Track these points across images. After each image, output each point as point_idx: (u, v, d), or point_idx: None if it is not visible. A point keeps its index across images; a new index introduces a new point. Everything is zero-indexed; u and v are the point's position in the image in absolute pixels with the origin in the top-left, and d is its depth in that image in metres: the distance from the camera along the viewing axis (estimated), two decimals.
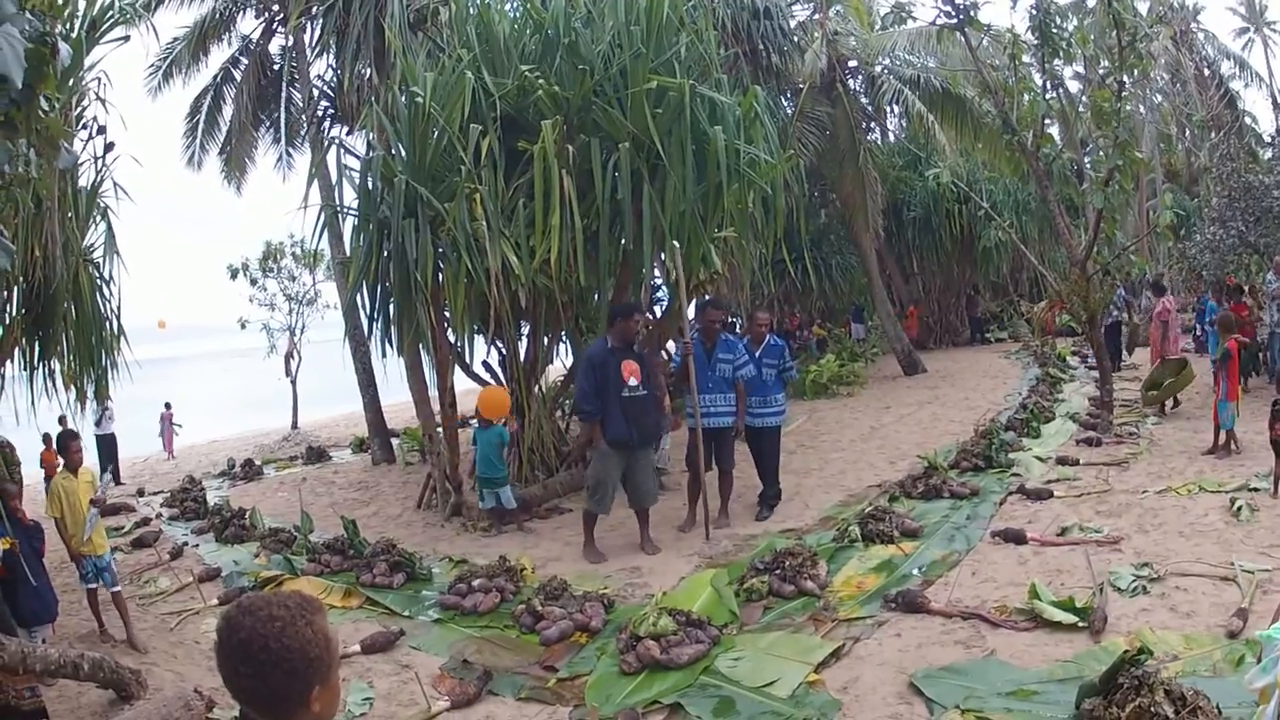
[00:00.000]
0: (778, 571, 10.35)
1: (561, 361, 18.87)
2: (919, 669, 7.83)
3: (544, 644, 9.44)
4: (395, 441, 23.77)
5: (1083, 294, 18.13)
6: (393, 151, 15.64)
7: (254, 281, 35.75)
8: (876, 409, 23.35)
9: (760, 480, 14.40)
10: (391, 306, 15.26)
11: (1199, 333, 27.71)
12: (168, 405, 32.45)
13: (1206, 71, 41.34)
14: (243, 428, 38.00)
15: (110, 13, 11.12)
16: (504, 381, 17.03)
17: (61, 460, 10.91)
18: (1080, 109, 29.05)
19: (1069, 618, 8.42)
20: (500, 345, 17.20)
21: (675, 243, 13.73)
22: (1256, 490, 12.24)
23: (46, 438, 17.87)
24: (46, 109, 5.77)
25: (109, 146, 12.40)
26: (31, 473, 14.72)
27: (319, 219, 17.25)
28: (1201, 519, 11.32)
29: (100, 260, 13.39)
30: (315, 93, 24.17)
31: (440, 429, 15.99)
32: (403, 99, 15.47)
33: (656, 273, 17.67)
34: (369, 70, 20.68)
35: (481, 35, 16.13)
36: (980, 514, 12.65)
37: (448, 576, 11.94)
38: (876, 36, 31.64)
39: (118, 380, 14.15)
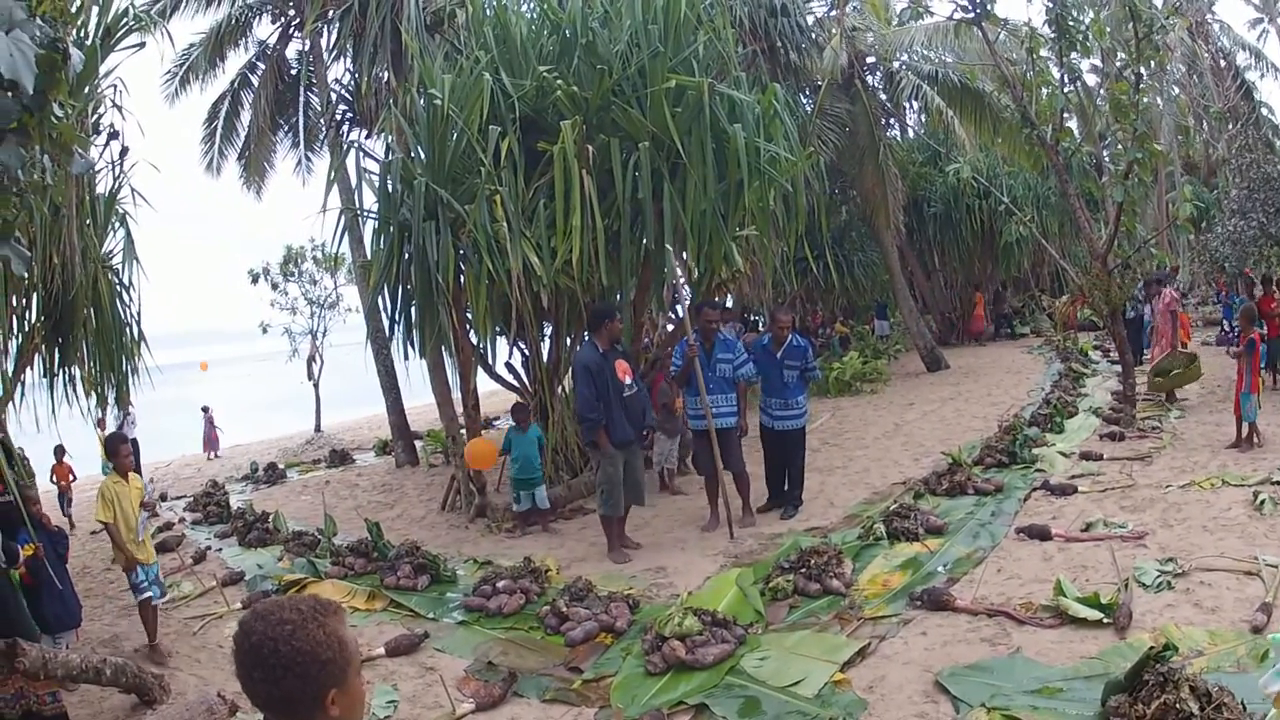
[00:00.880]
0: (803, 570, 10.33)
1: None
2: (944, 667, 7.82)
3: (569, 645, 9.44)
4: (419, 443, 23.81)
5: (1104, 288, 18.07)
6: (412, 154, 15.69)
7: (275, 286, 35.85)
8: (900, 406, 23.31)
9: (768, 483, 14.40)
10: (413, 309, 15.28)
11: (1226, 328, 27.64)
12: (206, 409, 32.61)
13: (1223, 63, 41.11)
14: (266, 432, 38.04)
15: (125, 20, 11.13)
16: (527, 383, 17.05)
17: (59, 467, 10.90)
18: (1098, 102, 28.98)
19: (1094, 614, 8.39)
20: (523, 346, 17.22)
21: (668, 245, 13.77)
22: (1279, 483, 12.16)
23: (59, 450, 17.84)
24: (60, 115, 5.77)
25: (124, 152, 12.43)
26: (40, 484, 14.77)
27: (339, 222, 17.32)
28: (1225, 513, 11.30)
29: (119, 266, 13.42)
30: (333, 97, 24.18)
31: (464, 430, 15.99)
32: (421, 101, 15.49)
33: (679, 271, 17.63)
34: (386, 73, 20.68)
35: (499, 36, 16.14)
36: (1005, 510, 12.61)
37: (472, 578, 11.97)
38: (894, 32, 31.51)
39: (138, 385, 14.18)
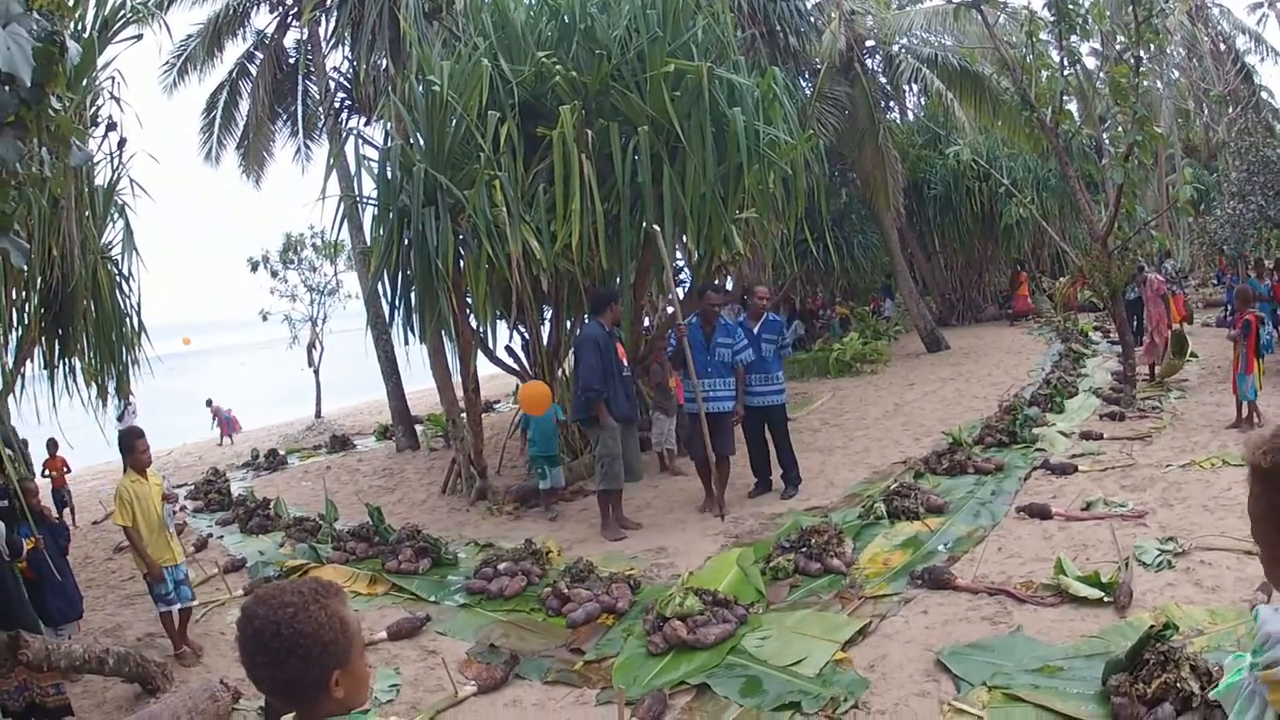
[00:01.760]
0: (804, 549, 10.36)
1: None
2: (946, 646, 7.84)
3: (570, 626, 9.47)
4: (419, 428, 23.85)
5: (1104, 270, 18.10)
6: (411, 141, 15.69)
7: (275, 274, 35.89)
8: (900, 386, 23.34)
9: (750, 466, 14.34)
10: (413, 294, 15.29)
11: (1228, 311, 27.65)
12: (209, 401, 32.69)
13: (1223, 46, 41.11)
14: (266, 418, 38.06)
15: (122, 12, 11.14)
16: (527, 367, 17.08)
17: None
18: (1098, 85, 28.98)
19: (1095, 593, 8.42)
20: (523, 330, 17.24)
21: (656, 227, 13.76)
22: None
23: (52, 444, 17.76)
24: (58, 108, 5.78)
25: (121, 143, 12.43)
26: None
27: (338, 209, 17.34)
28: (1225, 492, 11.32)
29: (119, 257, 13.43)
30: (332, 85, 24.22)
31: (464, 414, 16.02)
32: (420, 88, 15.49)
33: (679, 254, 17.64)
34: (385, 61, 20.70)
35: (497, 23, 16.14)
36: (1005, 489, 12.63)
37: (473, 561, 12.00)
38: (894, 15, 31.54)
39: (139, 376, 14.20)
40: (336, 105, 24.39)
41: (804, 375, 27.03)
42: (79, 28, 10.30)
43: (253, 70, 27.39)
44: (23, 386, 12.59)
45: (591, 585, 10.17)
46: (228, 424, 33.14)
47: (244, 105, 28.41)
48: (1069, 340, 27.17)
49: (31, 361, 12.68)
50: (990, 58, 26.37)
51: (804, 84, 28.96)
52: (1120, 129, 17.69)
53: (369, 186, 16.58)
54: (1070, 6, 17.62)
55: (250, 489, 19.30)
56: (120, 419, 21.59)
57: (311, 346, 35.88)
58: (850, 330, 32.92)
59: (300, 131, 29.16)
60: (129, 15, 11.32)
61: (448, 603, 10.81)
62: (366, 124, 22.79)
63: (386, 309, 16.89)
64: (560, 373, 17.03)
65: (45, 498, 14.57)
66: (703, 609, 8.68)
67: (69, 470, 19.38)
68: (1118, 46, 18.73)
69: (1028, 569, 9.48)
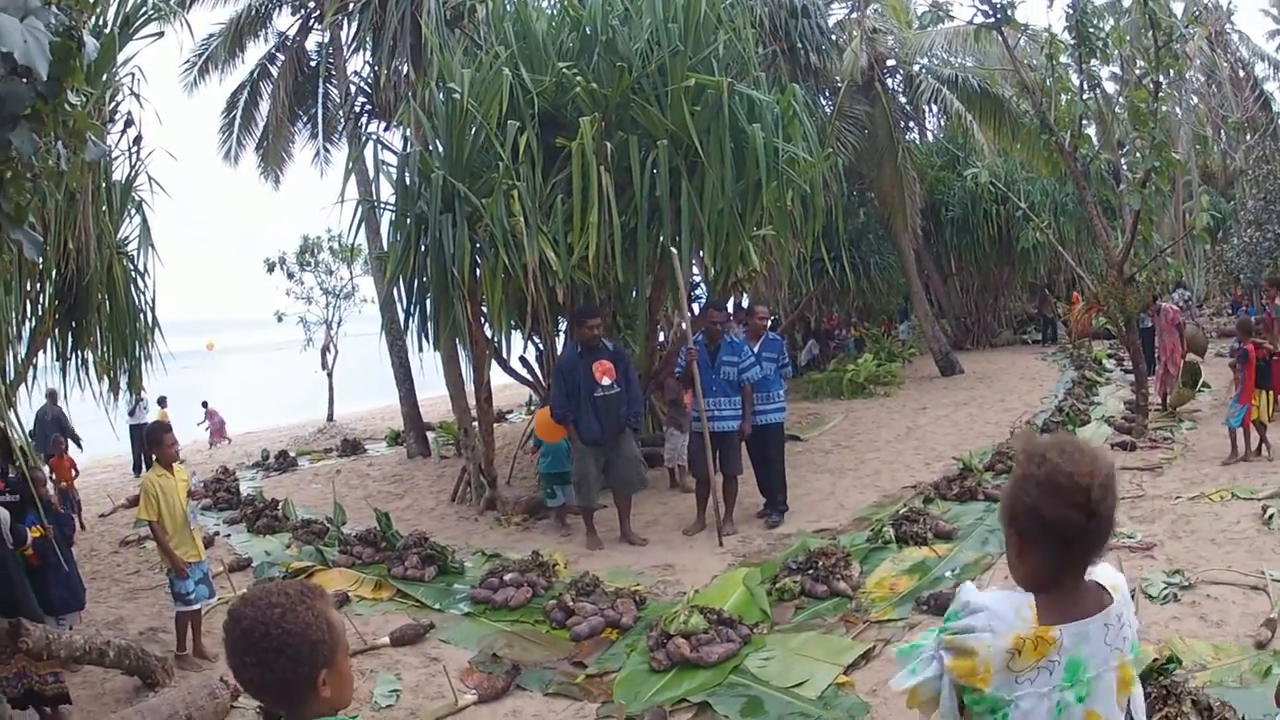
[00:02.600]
0: (810, 571, 10.34)
1: None
2: None
3: (574, 640, 9.46)
4: (430, 435, 23.84)
5: (1120, 297, 18.07)
6: (430, 147, 15.70)
7: (291, 275, 35.93)
8: (913, 409, 23.30)
9: (758, 486, 14.28)
10: (428, 301, 15.29)
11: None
12: (205, 404, 32.63)
13: (1241, 73, 41.15)
14: (278, 419, 38.10)
15: (144, 9, 11.17)
16: (541, 378, 17.08)
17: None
18: (1117, 110, 28.97)
19: None
20: (537, 341, 17.24)
21: (673, 249, 13.78)
22: None
23: (57, 444, 17.69)
24: (75, 102, 5.79)
25: (137, 140, 12.46)
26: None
27: (356, 213, 17.35)
28: (1234, 526, 11.28)
29: (135, 253, 13.45)
30: (352, 89, 24.24)
31: (476, 423, 16.02)
32: (440, 95, 15.49)
33: (695, 270, 17.64)
34: (406, 66, 20.71)
35: (519, 32, 16.14)
36: None
37: (479, 570, 12.00)
38: (914, 35, 31.58)
39: (152, 372, 14.22)
40: (356, 109, 24.40)
41: (817, 396, 27.01)
42: (100, 23, 10.33)
43: (273, 71, 27.40)
44: (34, 377, 12.63)
45: (597, 599, 10.16)
46: (220, 428, 32.95)
47: (264, 106, 28.43)
48: (1082, 368, 27.13)
49: (44, 353, 12.72)
50: (1010, 80, 26.40)
51: (824, 102, 28.97)
52: (1138, 154, 17.66)
53: (387, 192, 16.62)
54: (1091, 30, 17.62)
55: (259, 489, 19.34)
56: (131, 414, 21.68)
57: (326, 349, 35.93)
58: (865, 351, 32.92)
59: (320, 134, 29.21)
60: (150, 12, 11.35)
61: (452, 611, 10.81)
62: (386, 129, 22.80)
63: (402, 315, 16.87)
64: None
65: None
66: (707, 627, 8.67)
67: (77, 473, 19.04)
68: (1137, 71, 18.68)
69: None
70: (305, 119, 29.28)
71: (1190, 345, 16.25)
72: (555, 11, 17.33)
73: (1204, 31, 35.91)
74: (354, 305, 36.61)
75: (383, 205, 17.19)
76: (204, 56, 27.35)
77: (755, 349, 13.69)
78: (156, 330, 13.92)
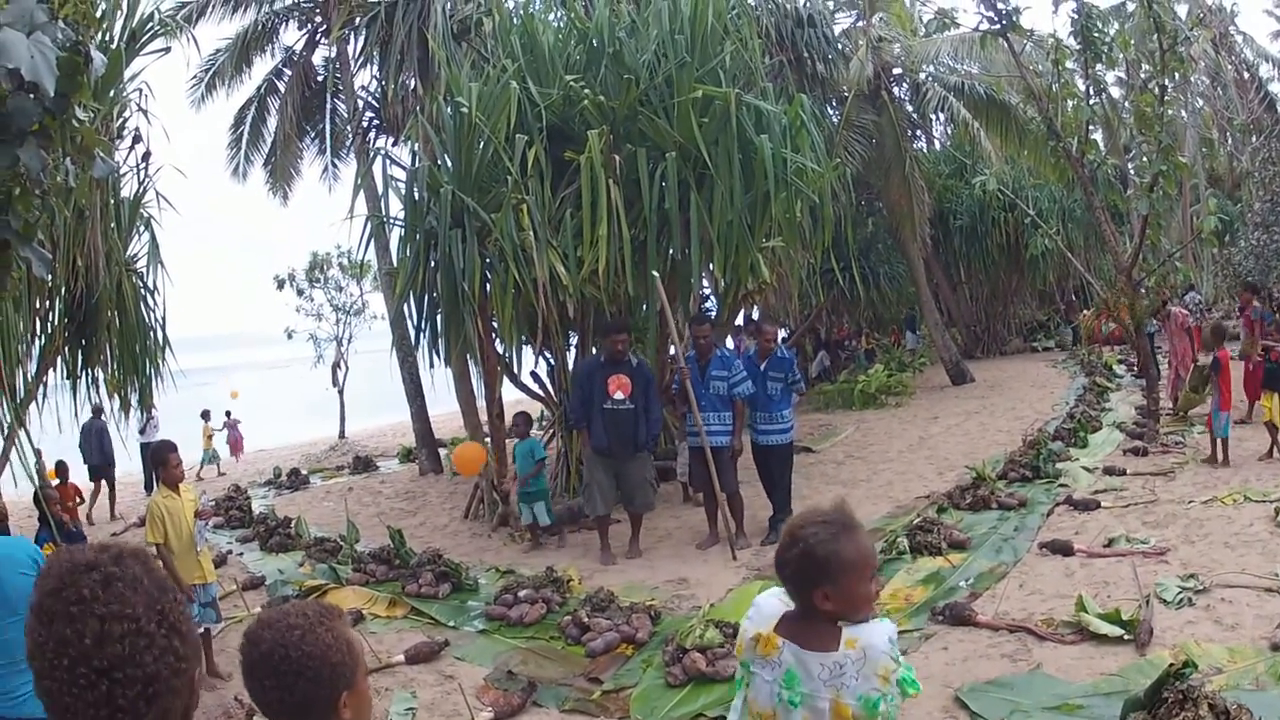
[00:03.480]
0: None
1: None
2: (965, 683, 7.80)
3: (589, 655, 9.40)
4: (443, 452, 23.78)
5: (1129, 301, 18.05)
6: (438, 162, 15.73)
7: (300, 292, 35.91)
8: (925, 419, 23.30)
9: (770, 502, 14.07)
10: (439, 317, 15.31)
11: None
12: (228, 413, 32.40)
13: (1246, 75, 41.14)
14: (289, 437, 38.08)
15: (150, 24, 11.18)
16: (552, 392, 17.07)
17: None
18: (1123, 114, 28.95)
19: (1115, 630, 8.39)
20: (548, 355, 17.22)
21: (655, 273, 13.81)
22: None
23: (62, 468, 16.94)
24: (82, 118, 5.80)
25: (146, 156, 12.47)
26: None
27: (365, 229, 17.35)
28: (1247, 529, 11.31)
29: (144, 270, 13.46)
30: (360, 104, 24.24)
31: (488, 439, 16.01)
32: (448, 109, 15.52)
33: (705, 283, 17.63)
34: (413, 81, 20.75)
35: (526, 45, 16.17)
36: (1028, 525, 12.59)
37: (494, 587, 11.94)
38: (920, 43, 31.56)
39: (162, 389, 14.21)
40: (364, 124, 24.42)
41: (829, 407, 27.00)
42: (106, 38, 10.35)
43: (281, 87, 27.40)
44: (44, 395, 12.62)
45: (611, 615, 10.12)
46: (238, 443, 32.73)
47: (271, 122, 28.44)
48: (1093, 374, 27.10)
49: (54, 370, 12.72)
50: (1017, 86, 26.38)
51: (831, 111, 28.91)
52: (1145, 159, 17.64)
53: (396, 207, 16.62)
54: (1096, 35, 17.62)
55: (271, 507, 19.30)
56: (142, 432, 21.64)
57: (336, 366, 35.89)
58: (875, 361, 32.89)
59: (328, 150, 29.24)
60: (156, 28, 11.37)
61: (467, 628, 10.77)
62: (394, 144, 22.80)
63: (412, 331, 16.91)
64: None
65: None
66: (723, 641, 8.63)
67: (81, 500, 18.62)
68: (1142, 75, 18.70)
69: (1049, 606, 9.44)
70: (313, 134, 29.31)
71: (1215, 335, 16.24)
72: (562, 24, 17.38)
73: (1208, 34, 35.89)
74: (364, 322, 36.57)
75: (392, 221, 17.19)
76: (211, 72, 27.36)
77: (762, 366, 13.60)
78: (167, 348, 13.93)
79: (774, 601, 3.86)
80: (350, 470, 25.40)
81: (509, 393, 17.15)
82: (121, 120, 11.95)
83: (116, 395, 13.60)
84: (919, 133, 38.41)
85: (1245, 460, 15.08)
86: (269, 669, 2.62)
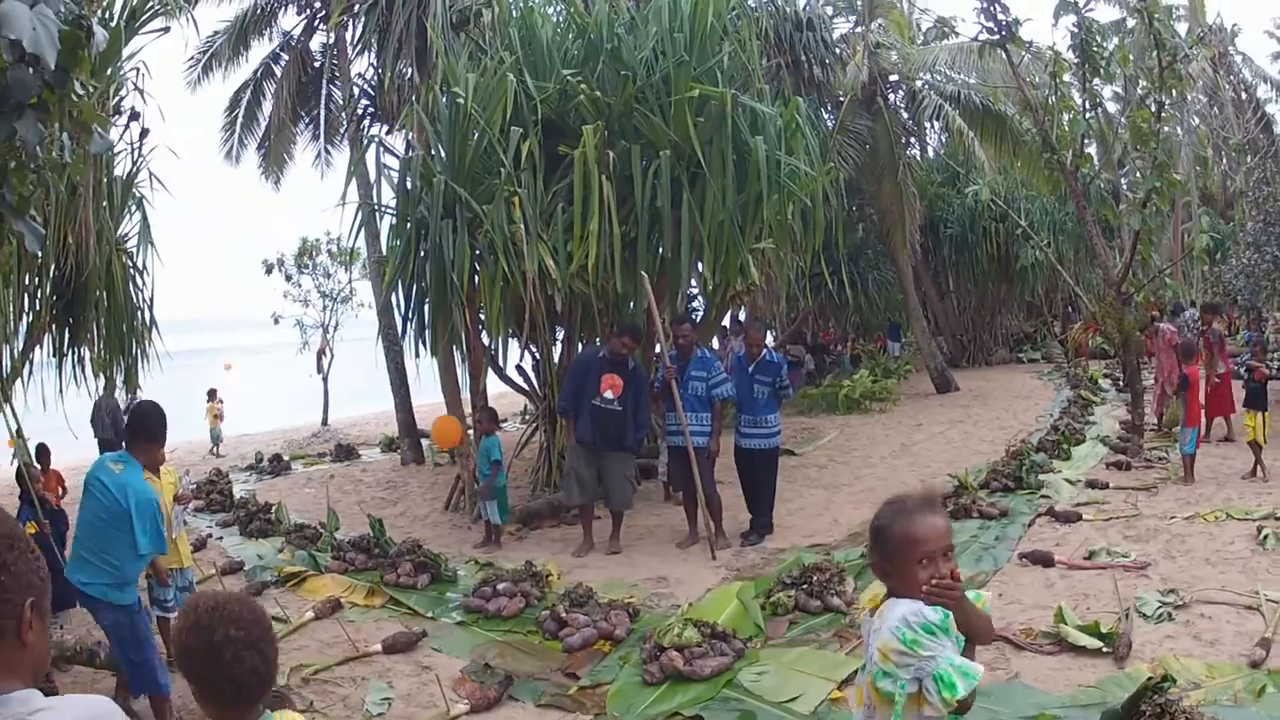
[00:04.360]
0: (805, 586, 10.31)
1: None
2: None
3: (567, 651, 9.39)
4: (425, 442, 23.74)
5: (1117, 316, 18.08)
6: (432, 152, 15.70)
7: (289, 277, 35.83)
8: (908, 426, 23.32)
9: (748, 507, 14.02)
10: (426, 307, 15.29)
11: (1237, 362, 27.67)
12: (214, 391, 31.79)
13: (1243, 95, 41.27)
14: (272, 422, 37.97)
15: (150, 3, 11.15)
16: (537, 386, 17.05)
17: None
18: (1118, 129, 29.00)
19: (1094, 642, 8.41)
20: (534, 349, 17.20)
21: (643, 273, 13.82)
22: None
23: (43, 451, 15.40)
24: (81, 93, 5.78)
25: (144, 134, 12.45)
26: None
27: (356, 217, 17.33)
28: (1228, 546, 11.37)
29: (134, 250, 13.44)
30: (356, 91, 24.21)
31: (471, 431, 15.99)
32: (444, 100, 15.51)
33: (694, 282, 17.63)
34: (410, 70, 20.74)
35: (524, 38, 16.16)
36: (1009, 535, 12.61)
37: (473, 579, 11.91)
38: (918, 51, 31.65)
39: (148, 370, 14.19)
40: (359, 112, 24.40)
41: (812, 410, 27.00)
42: (106, 15, 10.32)
43: (277, 71, 27.33)
44: (30, 372, 12.59)
45: (590, 611, 10.10)
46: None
47: (267, 106, 28.36)
48: (1078, 387, 27.14)
49: (40, 348, 12.69)
50: (1013, 97, 26.42)
51: (826, 116, 28.96)
52: (1139, 174, 17.72)
53: (388, 195, 16.60)
54: (1095, 49, 17.63)
55: (252, 492, 19.21)
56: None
57: (321, 353, 35.79)
58: (861, 367, 32.92)
59: (322, 136, 29.16)
60: (156, 7, 11.34)
61: (445, 619, 10.74)
62: (388, 132, 22.78)
63: (399, 320, 16.89)
64: None
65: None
66: (701, 641, 8.63)
67: (65, 492, 17.60)
68: (1140, 91, 18.72)
69: (1028, 616, 9.45)
70: (308, 120, 29.21)
71: (1185, 353, 16.38)
72: (561, 18, 17.36)
73: (1208, 53, 35.97)
74: (351, 309, 36.48)
75: (383, 209, 17.17)
76: (208, 54, 27.25)
77: (750, 369, 13.55)
78: (154, 329, 13.91)
79: None
80: (332, 458, 25.31)
81: (494, 385, 17.13)
82: (118, 99, 11.92)
83: (102, 374, 13.58)
84: (913, 140, 38.42)
85: (1229, 478, 15.15)
86: (249, 645, 2.62)
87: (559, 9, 17.86)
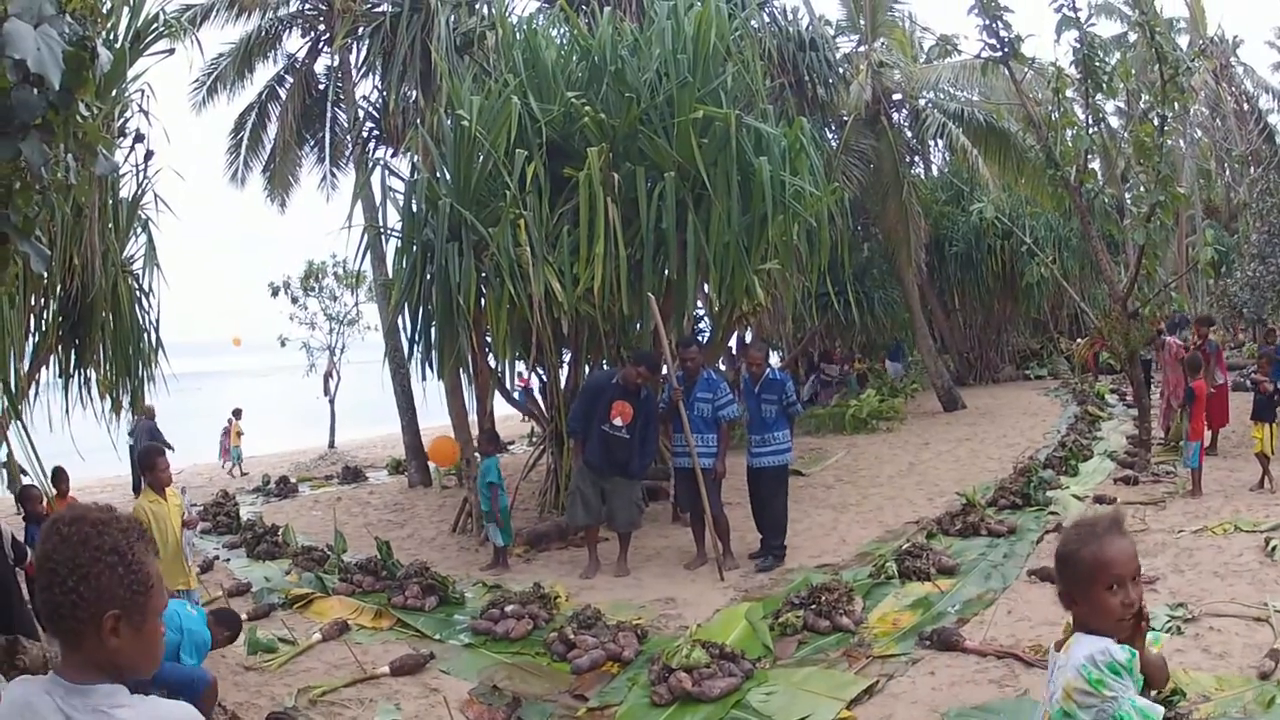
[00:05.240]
0: (813, 606, 10.29)
1: None
2: (951, 708, 7.81)
3: (575, 673, 9.39)
4: (432, 465, 23.76)
5: (1123, 331, 18.07)
6: (437, 175, 15.73)
7: (295, 300, 35.89)
8: (916, 445, 23.27)
9: (758, 527, 13.92)
10: (433, 329, 15.30)
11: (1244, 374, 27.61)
12: (238, 412, 31.85)
13: (1245, 106, 41.26)
14: (279, 445, 37.99)
15: (155, 25, 11.20)
16: (544, 409, 17.06)
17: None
18: (1121, 144, 28.99)
19: None
20: (541, 372, 17.21)
21: (650, 294, 13.84)
22: None
23: (59, 475, 14.00)
24: (86, 114, 5.78)
25: (149, 155, 12.48)
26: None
27: (362, 240, 17.36)
28: (1237, 559, 11.32)
29: (140, 272, 13.47)
30: (360, 113, 24.24)
31: (477, 453, 16.00)
32: (448, 122, 15.55)
33: (700, 304, 17.63)
34: (415, 92, 20.77)
35: (528, 61, 16.18)
36: (1017, 552, 12.57)
37: (480, 601, 11.92)
38: (921, 69, 31.62)
39: (154, 392, 14.21)
40: (364, 134, 24.43)
41: (820, 430, 26.95)
42: (111, 37, 10.36)
43: (282, 94, 27.37)
44: (36, 393, 12.62)
45: (598, 632, 10.10)
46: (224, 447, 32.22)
47: (271, 129, 28.38)
48: (1085, 403, 27.09)
49: (46, 369, 12.72)
50: (1016, 114, 26.40)
51: (830, 135, 28.96)
52: (1143, 188, 17.70)
53: (393, 218, 16.64)
54: (1097, 64, 17.66)
55: (259, 514, 19.25)
56: (132, 434, 21.60)
57: (328, 376, 35.87)
58: (867, 386, 32.87)
59: (327, 158, 29.20)
60: (161, 28, 11.38)
61: (452, 641, 10.73)
62: (394, 155, 22.81)
63: (406, 343, 16.91)
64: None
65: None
66: (709, 661, 8.62)
67: None
68: (1142, 105, 18.75)
69: (1037, 633, 9.41)
70: (312, 143, 29.23)
71: (1190, 368, 16.40)
72: (565, 41, 17.38)
73: (1209, 65, 36.00)
74: (357, 332, 36.55)
75: (389, 232, 17.19)
76: (213, 76, 27.30)
77: (756, 389, 13.52)
78: (160, 350, 13.94)
79: None
80: (339, 480, 25.35)
81: (500, 408, 17.13)
82: (123, 120, 11.96)
83: (108, 396, 13.59)
84: (917, 158, 38.44)
85: (1236, 491, 15.10)
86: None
87: (563, 31, 17.88)
